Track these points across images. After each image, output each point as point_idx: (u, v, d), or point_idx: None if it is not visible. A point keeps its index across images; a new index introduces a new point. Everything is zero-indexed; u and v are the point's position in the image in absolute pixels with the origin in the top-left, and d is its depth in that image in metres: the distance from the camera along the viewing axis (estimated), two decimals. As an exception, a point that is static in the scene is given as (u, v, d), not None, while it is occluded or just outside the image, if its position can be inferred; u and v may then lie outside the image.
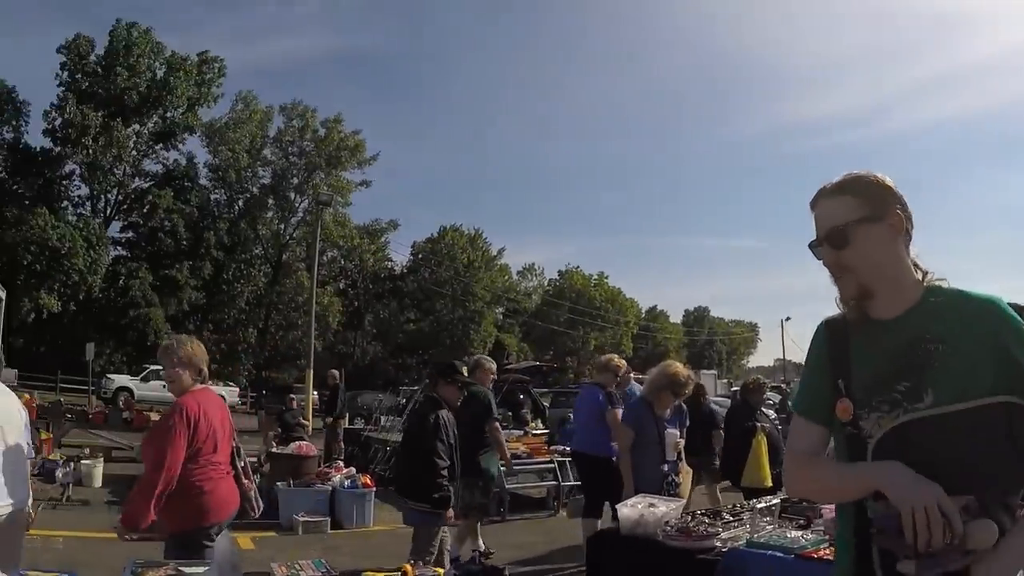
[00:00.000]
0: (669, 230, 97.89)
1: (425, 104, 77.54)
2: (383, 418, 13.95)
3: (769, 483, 6.38)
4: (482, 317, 46.11)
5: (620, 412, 5.81)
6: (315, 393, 22.46)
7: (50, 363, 29.40)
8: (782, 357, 56.00)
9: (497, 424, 6.46)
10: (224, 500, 3.34)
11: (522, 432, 12.58)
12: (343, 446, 12.23)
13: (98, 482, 9.41)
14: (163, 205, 36.33)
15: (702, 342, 70.84)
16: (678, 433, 5.08)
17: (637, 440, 4.88)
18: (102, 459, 9.99)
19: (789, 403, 3.77)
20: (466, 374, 5.64)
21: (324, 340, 38.98)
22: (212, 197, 40.81)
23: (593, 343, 49.87)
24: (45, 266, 30.80)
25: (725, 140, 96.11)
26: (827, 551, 2.82)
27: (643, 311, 61.72)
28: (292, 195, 40.82)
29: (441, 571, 4.06)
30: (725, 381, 38.04)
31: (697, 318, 72.79)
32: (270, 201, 40.81)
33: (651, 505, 3.49)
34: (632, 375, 7.23)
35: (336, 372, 13.63)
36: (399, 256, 46.37)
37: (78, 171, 35.76)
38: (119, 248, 38.25)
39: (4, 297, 11.79)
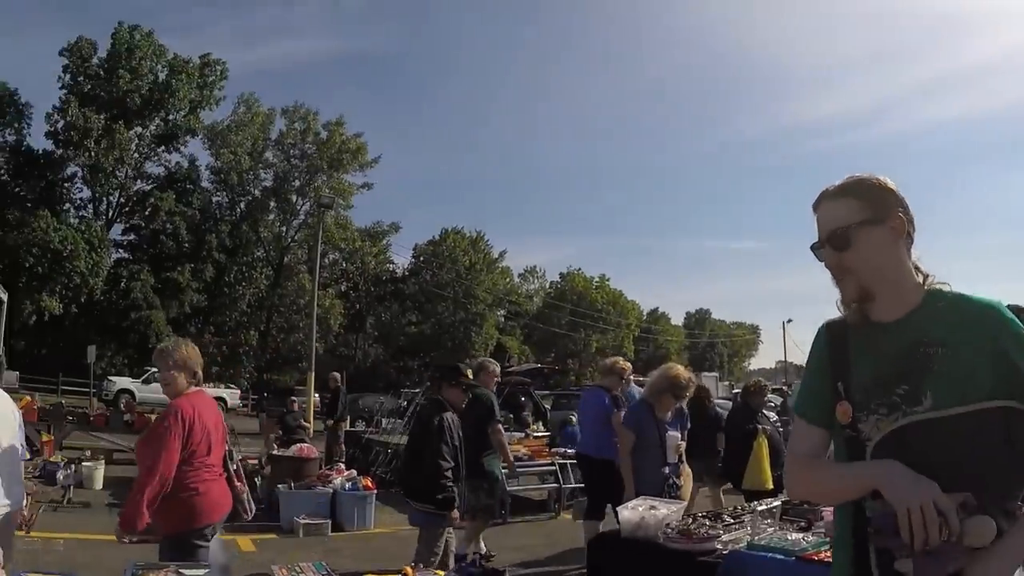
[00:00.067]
0: (670, 231, 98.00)
1: (426, 105, 77.79)
2: (384, 421, 13.96)
3: (770, 485, 6.37)
4: (483, 319, 46.08)
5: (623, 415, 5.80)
6: (316, 396, 22.40)
7: (51, 365, 29.41)
8: (783, 359, 55.99)
9: (499, 426, 6.45)
10: (217, 502, 3.39)
11: (523, 434, 12.59)
12: (344, 448, 12.22)
13: (99, 484, 9.42)
14: (165, 207, 36.40)
15: (703, 344, 70.74)
16: (679, 436, 5.08)
17: (638, 443, 4.88)
18: (103, 461, 10.00)
19: (790, 405, 3.77)
20: (470, 376, 5.65)
21: (325, 343, 38.96)
22: (214, 200, 40.90)
23: (594, 345, 49.83)
24: (47, 268, 30.87)
25: (726, 141, 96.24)
26: (828, 553, 2.81)
27: (644, 313, 61.68)
28: (294, 197, 40.84)
29: (443, 574, 4.06)
30: (726, 383, 37.99)
31: (698, 320, 72.75)
32: (272, 204, 40.82)
33: (652, 507, 3.49)
34: (632, 377, 7.22)
35: (337, 375, 13.61)
36: (400, 258, 46.52)
37: (80, 173, 35.89)
38: (121, 250, 38.45)
39: (6, 299, 11.79)
